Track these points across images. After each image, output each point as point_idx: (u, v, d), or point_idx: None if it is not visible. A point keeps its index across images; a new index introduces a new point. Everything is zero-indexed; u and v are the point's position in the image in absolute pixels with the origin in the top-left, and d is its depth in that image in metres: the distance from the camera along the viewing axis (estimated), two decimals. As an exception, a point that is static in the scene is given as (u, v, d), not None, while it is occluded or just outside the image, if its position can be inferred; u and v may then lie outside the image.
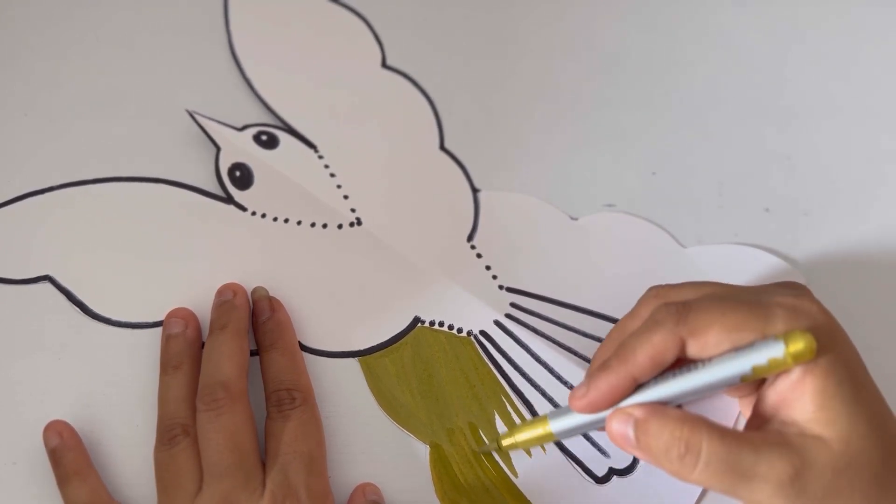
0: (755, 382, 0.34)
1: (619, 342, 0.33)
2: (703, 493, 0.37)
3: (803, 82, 0.48)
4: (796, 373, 0.31)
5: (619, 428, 0.32)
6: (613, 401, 0.33)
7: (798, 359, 0.30)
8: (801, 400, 0.31)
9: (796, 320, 0.31)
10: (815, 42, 0.49)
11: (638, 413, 0.32)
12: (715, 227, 0.43)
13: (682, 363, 0.33)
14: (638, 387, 0.33)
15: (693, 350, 0.32)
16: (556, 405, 0.39)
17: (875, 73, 0.48)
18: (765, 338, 0.31)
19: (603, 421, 0.33)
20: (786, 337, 0.30)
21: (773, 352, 0.30)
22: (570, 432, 0.34)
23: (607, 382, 0.33)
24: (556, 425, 0.34)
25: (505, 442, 0.36)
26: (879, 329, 0.38)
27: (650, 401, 0.32)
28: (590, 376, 0.33)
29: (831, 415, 0.31)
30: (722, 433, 0.31)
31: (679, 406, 0.32)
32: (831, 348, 0.31)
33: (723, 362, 0.31)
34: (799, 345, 0.30)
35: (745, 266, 0.42)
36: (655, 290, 0.35)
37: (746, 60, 0.48)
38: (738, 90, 0.47)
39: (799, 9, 0.50)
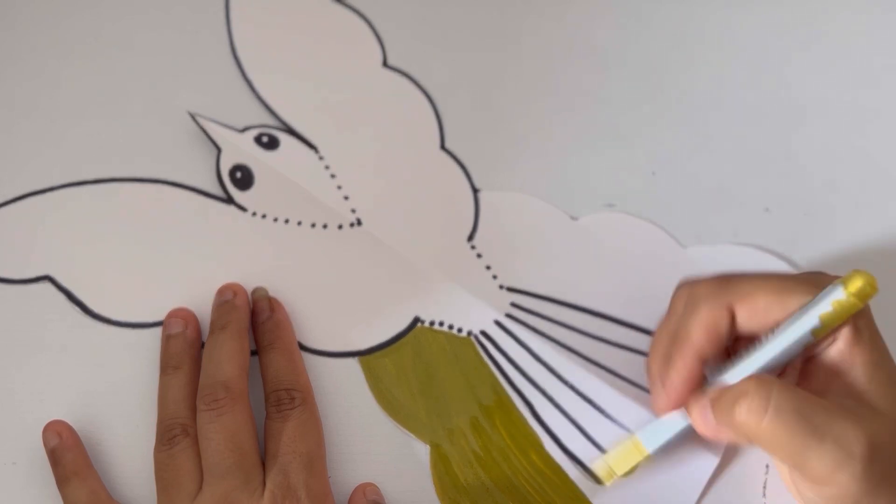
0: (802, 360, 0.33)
1: (669, 336, 0.33)
2: (704, 493, 0.37)
3: (803, 82, 0.48)
4: (844, 341, 0.31)
5: (699, 414, 0.32)
6: (691, 388, 0.33)
7: (862, 296, 0.30)
8: (853, 371, 0.31)
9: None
10: (814, 42, 0.49)
11: (712, 393, 0.32)
12: (715, 227, 0.43)
13: (741, 344, 0.33)
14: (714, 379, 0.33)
15: (743, 317, 0.32)
16: (556, 404, 0.39)
17: (875, 73, 0.48)
18: (819, 291, 0.30)
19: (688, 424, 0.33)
20: (844, 280, 0.30)
21: (834, 295, 0.30)
22: (664, 444, 0.34)
23: (677, 373, 0.33)
24: (649, 442, 0.34)
25: (608, 482, 0.35)
26: (879, 329, 0.38)
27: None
28: (660, 376, 0.33)
29: (882, 388, 0.31)
30: (793, 387, 0.31)
31: None
32: (870, 323, 0.32)
33: (788, 325, 0.31)
34: (858, 282, 0.30)
35: (745, 266, 0.42)
36: (685, 282, 0.35)
37: (746, 60, 0.48)
38: (738, 90, 0.47)
39: (799, 9, 0.50)
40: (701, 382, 0.33)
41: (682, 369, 0.33)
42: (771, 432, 0.30)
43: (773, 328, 0.32)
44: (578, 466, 0.37)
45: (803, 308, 0.31)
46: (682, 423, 0.34)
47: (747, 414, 0.30)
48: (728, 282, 0.32)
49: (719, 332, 0.32)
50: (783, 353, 0.31)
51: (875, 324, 0.33)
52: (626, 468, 0.35)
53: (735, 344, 0.34)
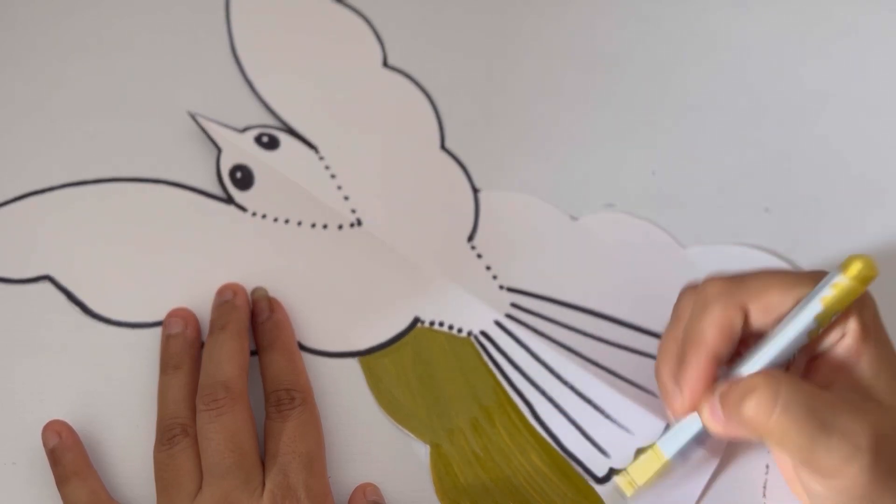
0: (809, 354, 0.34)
1: (678, 340, 0.33)
2: (704, 493, 0.37)
3: (803, 82, 0.48)
4: (852, 337, 0.31)
5: (710, 410, 0.32)
6: (707, 388, 0.33)
7: (862, 278, 0.30)
8: (858, 366, 0.31)
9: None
10: (814, 41, 0.49)
11: (721, 389, 0.32)
12: (715, 227, 0.43)
13: (750, 341, 0.33)
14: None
15: (757, 314, 0.32)
16: (556, 405, 0.39)
17: (875, 72, 0.48)
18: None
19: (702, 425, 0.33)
20: (843, 265, 0.30)
21: (835, 279, 0.30)
22: (683, 448, 0.34)
23: (693, 374, 0.33)
24: (667, 448, 0.34)
25: (630, 493, 0.35)
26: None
27: None
28: (675, 378, 0.33)
29: (886, 383, 0.31)
30: (800, 382, 0.31)
31: None
32: (877, 320, 0.32)
33: (793, 315, 0.31)
34: (857, 265, 0.30)
35: (744, 266, 0.42)
36: (690, 286, 0.35)
37: (746, 60, 0.48)
38: (737, 90, 0.47)
39: (798, 8, 0.50)
40: (715, 377, 0.33)
41: (697, 370, 0.32)
42: (780, 428, 0.30)
43: (780, 321, 0.32)
44: (578, 466, 0.37)
45: (806, 297, 0.31)
46: (697, 425, 0.34)
47: (756, 410, 0.31)
48: (740, 281, 0.32)
49: (733, 332, 0.32)
50: (790, 345, 0.32)
51: (881, 321, 0.33)
52: (647, 476, 0.34)
53: (746, 341, 0.34)
